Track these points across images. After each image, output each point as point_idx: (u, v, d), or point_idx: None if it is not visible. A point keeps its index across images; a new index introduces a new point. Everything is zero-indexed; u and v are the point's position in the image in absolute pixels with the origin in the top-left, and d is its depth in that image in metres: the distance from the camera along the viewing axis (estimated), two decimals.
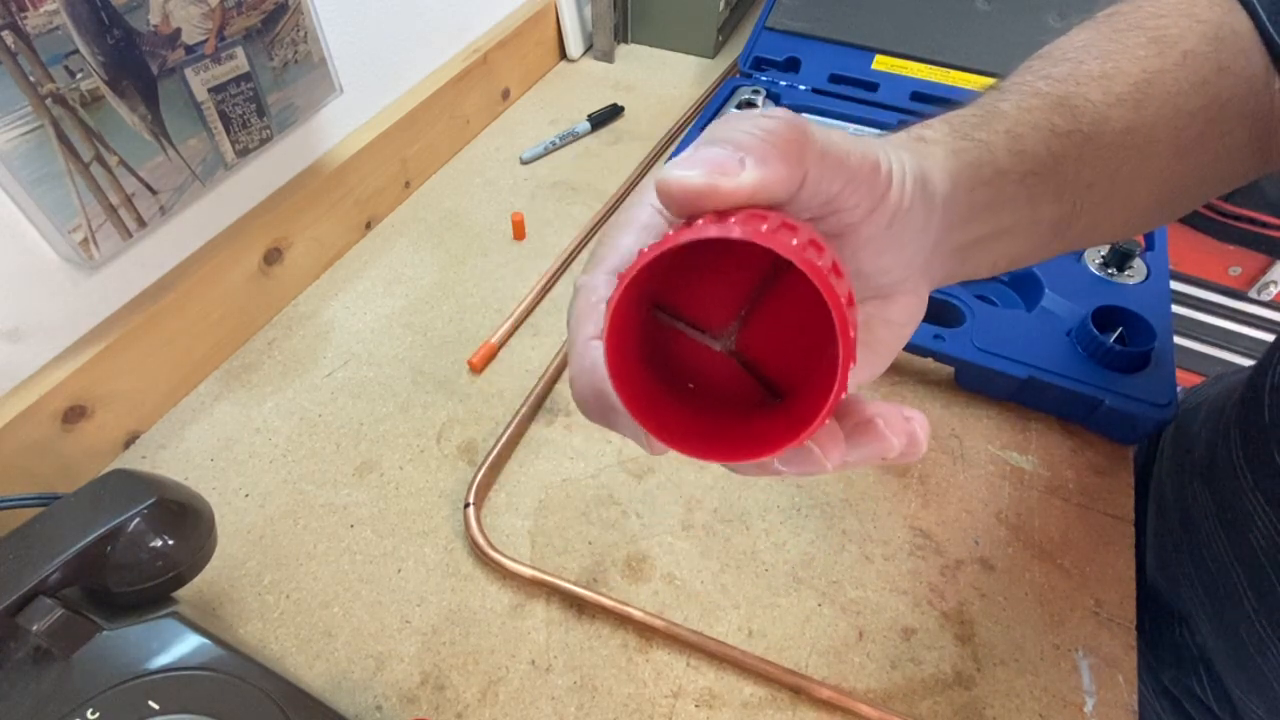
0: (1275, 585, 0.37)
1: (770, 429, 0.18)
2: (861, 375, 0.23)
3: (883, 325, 0.22)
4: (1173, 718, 0.48)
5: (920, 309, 0.23)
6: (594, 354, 0.19)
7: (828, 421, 0.18)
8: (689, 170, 0.17)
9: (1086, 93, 0.26)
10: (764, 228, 0.16)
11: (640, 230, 0.20)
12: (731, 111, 0.21)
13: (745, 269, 0.20)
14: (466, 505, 0.43)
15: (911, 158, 0.21)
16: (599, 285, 0.20)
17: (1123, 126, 0.26)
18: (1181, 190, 0.30)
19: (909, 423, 0.19)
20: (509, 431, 0.47)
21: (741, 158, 0.17)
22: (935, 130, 0.24)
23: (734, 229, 0.16)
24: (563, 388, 0.51)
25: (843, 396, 0.16)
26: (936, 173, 0.22)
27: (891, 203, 0.20)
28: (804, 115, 0.19)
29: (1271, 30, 0.29)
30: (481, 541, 0.42)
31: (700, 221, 0.16)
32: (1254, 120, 0.29)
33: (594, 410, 0.20)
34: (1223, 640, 0.41)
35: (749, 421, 0.20)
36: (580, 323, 0.20)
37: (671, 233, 0.16)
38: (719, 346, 0.21)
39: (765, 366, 0.21)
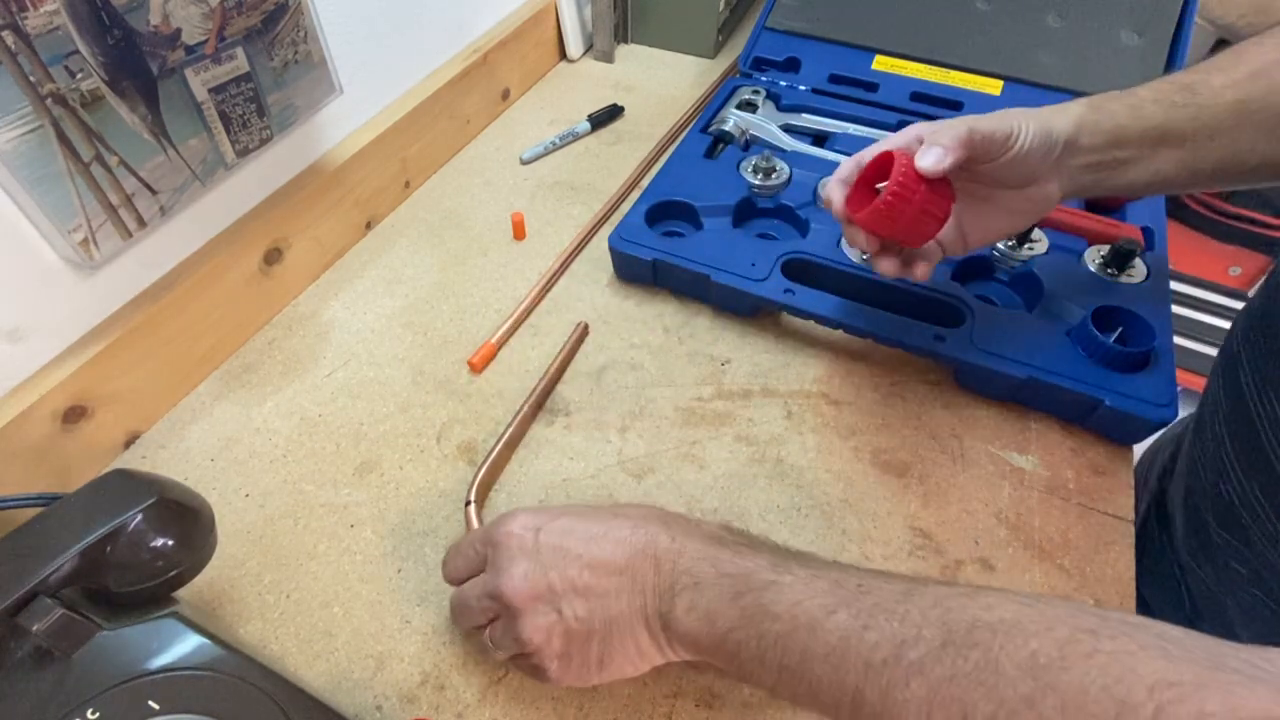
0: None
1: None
2: (1005, 226, 0.42)
3: (1023, 199, 0.41)
4: None
5: (1052, 198, 0.40)
6: (830, 181, 0.41)
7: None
8: (936, 154, 0.36)
9: (1209, 79, 0.38)
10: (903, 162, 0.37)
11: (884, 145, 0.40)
12: (934, 123, 0.38)
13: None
14: (468, 503, 0.43)
15: (1039, 122, 0.38)
16: (850, 160, 0.41)
17: (1234, 99, 0.37)
18: None
19: None
20: (509, 431, 0.47)
21: (947, 149, 0.36)
22: (1079, 102, 0.39)
23: (900, 161, 0.37)
24: (563, 388, 0.51)
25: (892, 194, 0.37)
26: (1062, 124, 0.38)
27: (1012, 153, 0.37)
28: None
29: None
30: None
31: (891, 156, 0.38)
32: None
33: (825, 201, 0.41)
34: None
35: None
36: (836, 173, 0.41)
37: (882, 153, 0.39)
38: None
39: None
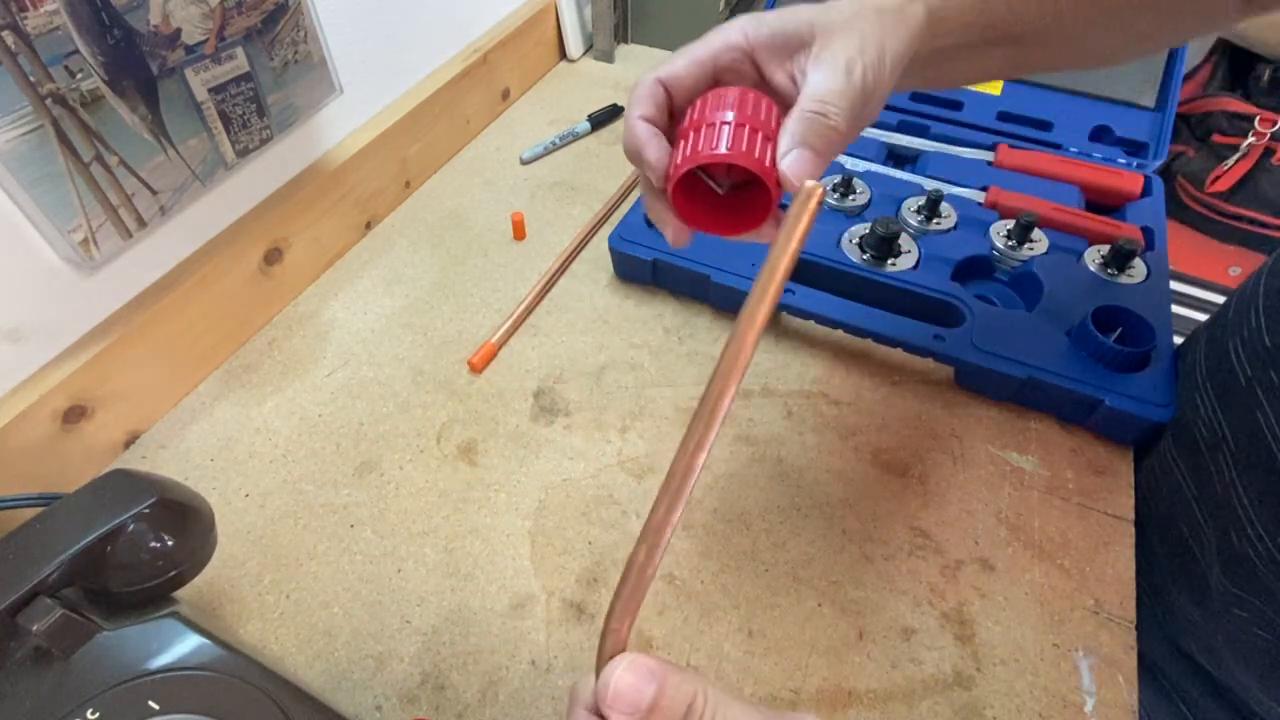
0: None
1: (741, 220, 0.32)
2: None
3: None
4: None
5: (879, 110, 0.35)
6: (636, 128, 0.31)
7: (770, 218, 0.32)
8: (803, 163, 0.29)
9: None
10: (744, 148, 0.29)
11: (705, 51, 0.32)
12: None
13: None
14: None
15: (878, 52, 0.31)
16: (649, 81, 0.32)
17: None
18: (1145, 32, 0.36)
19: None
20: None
21: (819, 153, 0.30)
22: (917, 6, 0.34)
23: (738, 153, 0.29)
24: (562, 388, 0.51)
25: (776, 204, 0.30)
26: (901, 44, 0.32)
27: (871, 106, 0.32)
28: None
29: None
30: None
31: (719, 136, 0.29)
32: None
33: (631, 156, 0.32)
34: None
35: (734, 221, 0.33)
36: (633, 105, 0.32)
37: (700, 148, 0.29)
38: (721, 188, 0.34)
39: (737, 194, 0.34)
